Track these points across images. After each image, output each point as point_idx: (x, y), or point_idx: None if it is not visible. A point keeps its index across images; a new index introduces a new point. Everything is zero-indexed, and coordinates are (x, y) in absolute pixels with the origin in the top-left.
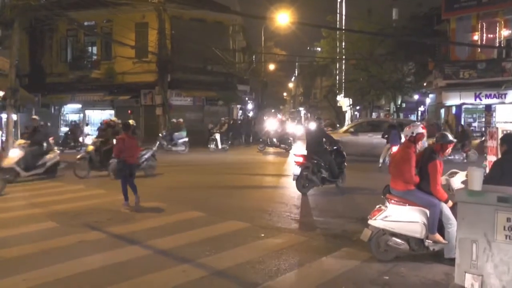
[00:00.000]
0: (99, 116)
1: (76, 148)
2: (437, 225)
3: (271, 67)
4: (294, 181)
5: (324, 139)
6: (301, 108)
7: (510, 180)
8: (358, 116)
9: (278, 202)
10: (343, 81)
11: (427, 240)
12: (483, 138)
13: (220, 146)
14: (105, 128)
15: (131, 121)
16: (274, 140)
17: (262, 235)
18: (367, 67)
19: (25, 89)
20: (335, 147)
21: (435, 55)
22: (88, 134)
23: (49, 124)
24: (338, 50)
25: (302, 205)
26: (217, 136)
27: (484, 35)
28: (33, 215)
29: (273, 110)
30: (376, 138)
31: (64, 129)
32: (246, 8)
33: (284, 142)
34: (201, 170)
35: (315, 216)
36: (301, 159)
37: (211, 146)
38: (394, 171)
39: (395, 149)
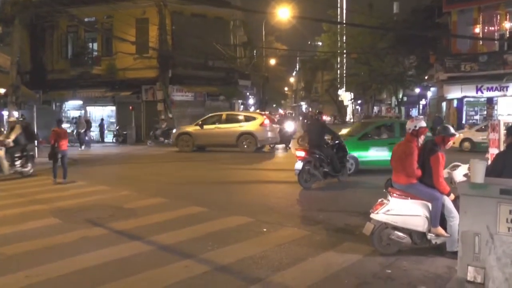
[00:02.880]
0: (100, 112)
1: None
2: (439, 218)
3: (272, 62)
4: (296, 176)
5: (326, 133)
6: (302, 103)
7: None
8: (359, 110)
9: (280, 196)
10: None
11: (429, 234)
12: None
13: None
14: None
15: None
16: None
17: (265, 229)
18: (368, 61)
19: (26, 86)
20: (336, 142)
21: (437, 48)
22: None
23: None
24: (339, 44)
25: (304, 200)
26: None
27: (486, 27)
28: (35, 212)
29: (274, 105)
30: (221, 129)
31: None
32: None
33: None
34: (200, 166)
35: (317, 210)
36: (303, 154)
37: None
38: (396, 165)
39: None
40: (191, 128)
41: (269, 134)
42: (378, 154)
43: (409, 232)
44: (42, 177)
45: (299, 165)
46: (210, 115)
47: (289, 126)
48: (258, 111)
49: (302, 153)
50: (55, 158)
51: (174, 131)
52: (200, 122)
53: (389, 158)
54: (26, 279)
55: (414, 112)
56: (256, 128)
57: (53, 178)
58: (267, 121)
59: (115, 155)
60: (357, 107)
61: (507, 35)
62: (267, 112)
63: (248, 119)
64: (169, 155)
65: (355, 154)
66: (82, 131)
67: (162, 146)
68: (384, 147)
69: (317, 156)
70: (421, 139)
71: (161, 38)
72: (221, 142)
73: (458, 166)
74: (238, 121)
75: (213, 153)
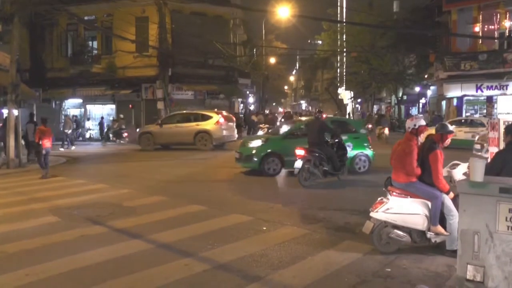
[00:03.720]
0: (100, 110)
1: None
2: (439, 217)
3: (272, 60)
4: (296, 174)
5: (325, 132)
6: (302, 101)
7: (511, 171)
8: (359, 108)
9: (279, 195)
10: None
11: (429, 232)
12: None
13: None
14: None
15: None
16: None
17: (264, 228)
18: (368, 59)
19: (26, 84)
20: (336, 140)
21: (436, 47)
22: (89, 129)
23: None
24: (339, 42)
25: (304, 198)
26: None
27: (485, 26)
28: (35, 210)
29: (274, 104)
30: (179, 128)
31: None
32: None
33: None
34: (199, 163)
35: (317, 209)
36: (302, 152)
37: None
38: (396, 163)
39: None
40: (152, 127)
41: (225, 132)
42: None
43: (408, 230)
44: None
45: (298, 163)
46: (170, 114)
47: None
48: (216, 110)
49: (301, 152)
50: (39, 154)
51: (137, 130)
52: (160, 122)
53: None
54: (26, 277)
55: (414, 110)
56: (211, 127)
57: (42, 170)
58: (222, 120)
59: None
60: (357, 105)
61: (507, 34)
62: (223, 111)
63: (204, 118)
64: (136, 154)
65: (280, 153)
66: (69, 131)
67: (123, 145)
68: None
69: (317, 154)
70: (421, 138)
71: (161, 36)
72: (179, 140)
73: (457, 164)
74: (195, 120)
75: (177, 151)
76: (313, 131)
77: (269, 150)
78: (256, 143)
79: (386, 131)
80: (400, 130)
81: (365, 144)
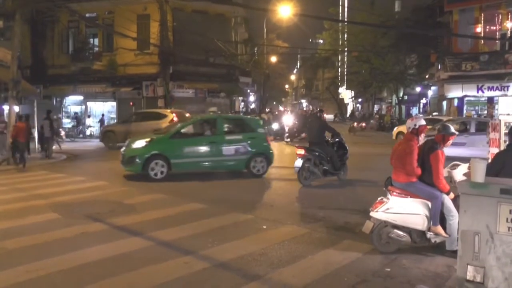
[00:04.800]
0: (101, 108)
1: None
2: (439, 217)
3: (273, 59)
4: (296, 173)
5: (326, 131)
6: (303, 100)
7: (510, 172)
8: (360, 108)
9: (280, 194)
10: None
11: (429, 232)
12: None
13: None
14: None
15: None
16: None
17: (264, 227)
18: (369, 59)
19: (27, 80)
20: (337, 139)
21: (438, 47)
22: (90, 126)
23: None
24: (340, 42)
25: (304, 197)
26: None
27: (487, 27)
28: (35, 207)
29: (274, 103)
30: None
31: (66, 121)
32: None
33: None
34: None
35: (317, 208)
36: (302, 151)
37: None
38: (396, 163)
39: None
40: (114, 126)
41: None
42: (194, 155)
43: (408, 230)
44: (42, 171)
45: (299, 162)
46: (132, 113)
47: (288, 121)
48: (169, 110)
49: (302, 151)
50: (16, 149)
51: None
52: (122, 121)
53: (208, 159)
54: (26, 273)
55: (414, 110)
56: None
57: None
58: (175, 119)
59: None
60: (358, 105)
61: (508, 35)
62: (177, 110)
63: (160, 116)
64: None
65: (166, 155)
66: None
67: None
68: (202, 147)
69: (317, 154)
70: (421, 138)
71: (162, 34)
72: None
73: (458, 165)
74: (153, 118)
75: None
76: (313, 130)
77: (153, 152)
78: (139, 143)
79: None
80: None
81: (264, 144)
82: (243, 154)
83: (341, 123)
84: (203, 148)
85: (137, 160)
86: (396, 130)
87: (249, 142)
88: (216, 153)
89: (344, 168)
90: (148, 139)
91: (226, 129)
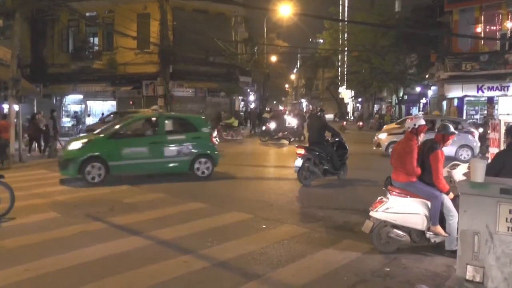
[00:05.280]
0: (101, 107)
1: None
2: (438, 217)
3: (273, 58)
4: (296, 173)
5: (326, 131)
6: (303, 100)
7: (510, 172)
8: (360, 108)
9: (279, 193)
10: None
11: (428, 232)
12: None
13: None
14: None
15: None
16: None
17: (264, 226)
18: (369, 58)
19: (27, 79)
20: (337, 139)
21: (438, 47)
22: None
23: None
24: (340, 41)
25: (303, 197)
26: None
27: (487, 27)
28: (34, 205)
29: (274, 102)
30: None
31: (65, 120)
32: None
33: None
34: None
35: (316, 207)
36: (302, 151)
37: None
38: (396, 163)
39: None
40: (96, 125)
41: None
42: (134, 156)
43: (408, 230)
44: (41, 170)
45: (299, 162)
46: (112, 112)
47: (292, 121)
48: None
49: (302, 151)
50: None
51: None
52: (102, 119)
53: (149, 161)
54: (25, 272)
55: (414, 110)
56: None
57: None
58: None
59: None
60: (358, 105)
61: (509, 35)
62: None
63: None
64: None
65: (104, 157)
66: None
67: None
68: (143, 148)
69: (317, 153)
70: (421, 137)
71: (162, 33)
72: None
73: (457, 165)
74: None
75: None
76: (313, 130)
77: (90, 154)
78: (75, 145)
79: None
80: None
81: (209, 145)
82: (186, 155)
83: (339, 123)
84: (144, 149)
85: (72, 163)
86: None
87: (193, 142)
88: (158, 154)
89: (344, 167)
90: (85, 140)
91: (168, 129)
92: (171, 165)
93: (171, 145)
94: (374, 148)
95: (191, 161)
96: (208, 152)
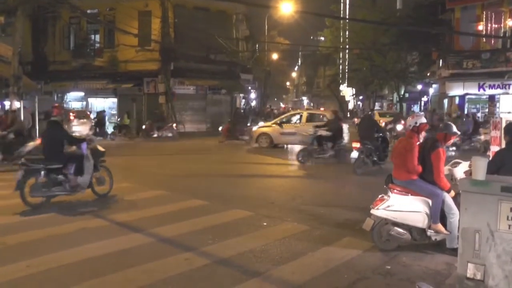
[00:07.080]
0: (102, 104)
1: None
2: (439, 215)
3: (275, 56)
4: (353, 164)
5: (375, 128)
6: (304, 98)
7: (510, 170)
8: (361, 105)
9: (280, 191)
10: (346, 70)
11: (429, 230)
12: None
13: None
14: None
15: None
16: None
17: (265, 224)
18: (370, 56)
19: (28, 76)
20: (380, 135)
21: (439, 45)
22: None
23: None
24: (341, 39)
25: (304, 194)
26: None
27: (489, 25)
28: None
29: (275, 99)
30: None
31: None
32: None
33: None
34: (201, 158)
35: (317, 205)
36: (358, 145)
37: None
38: (397, 161)
39: None
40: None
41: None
42: None
43: (409, 228)
44: None
45: (355, 154)
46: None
47: None
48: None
49: (357, 144)
50: None
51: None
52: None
53: None
54: (27, 268)
55: (415, 108)
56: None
57: None
58: (72, 117)
59: None
60: (359, 102)
61: (511, 33)
62: None
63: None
64: (136, 148)
65: None
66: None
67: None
68: None
69: (368, 146)
70: (422, 136)
71: (163, 31)
72: None
73: (458, 163)
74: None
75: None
76: (365, 127)
77: None
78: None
79: None
80: None
81: None
82: None
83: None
84: None
85: None
86: None
87: None
88: None
89: (386, 158)
90: None
91: None
92: None
93: None
94: None
95: None
96: None
